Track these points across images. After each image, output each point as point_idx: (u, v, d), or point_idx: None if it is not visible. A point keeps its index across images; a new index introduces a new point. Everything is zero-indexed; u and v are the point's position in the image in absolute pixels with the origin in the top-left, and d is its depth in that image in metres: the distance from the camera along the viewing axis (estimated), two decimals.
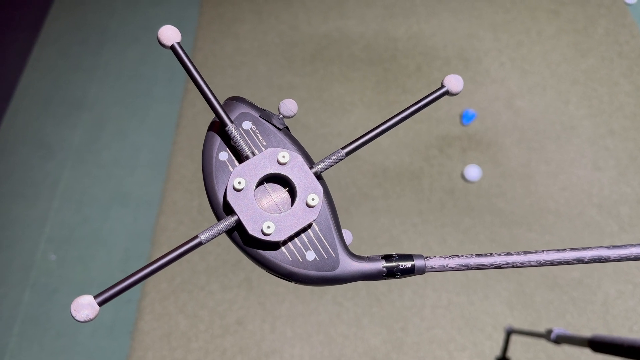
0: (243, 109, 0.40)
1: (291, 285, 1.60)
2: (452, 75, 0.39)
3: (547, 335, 1.14)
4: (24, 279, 1.64)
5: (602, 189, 1.72)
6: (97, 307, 0.32)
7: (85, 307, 0.32)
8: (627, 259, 0.38)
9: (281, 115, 0.42)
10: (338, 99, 1.97)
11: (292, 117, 0.42)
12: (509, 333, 1.37)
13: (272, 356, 1.50)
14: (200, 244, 0.35)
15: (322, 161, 0.38)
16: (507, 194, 1.74)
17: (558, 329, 1.11)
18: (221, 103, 0.40)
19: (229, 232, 0.37)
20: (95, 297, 0.32)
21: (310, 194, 0.36)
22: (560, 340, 1.09)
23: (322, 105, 1.96)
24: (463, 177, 1.78)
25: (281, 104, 0.41)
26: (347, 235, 0.44)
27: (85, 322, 0.32)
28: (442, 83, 0.40)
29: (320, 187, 0.37)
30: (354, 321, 1.55)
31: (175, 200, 1.77)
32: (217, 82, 2.00)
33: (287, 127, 0.41)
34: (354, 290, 1.59)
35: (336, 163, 0.39)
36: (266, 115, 0.40)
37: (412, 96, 1.98)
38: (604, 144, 1.81)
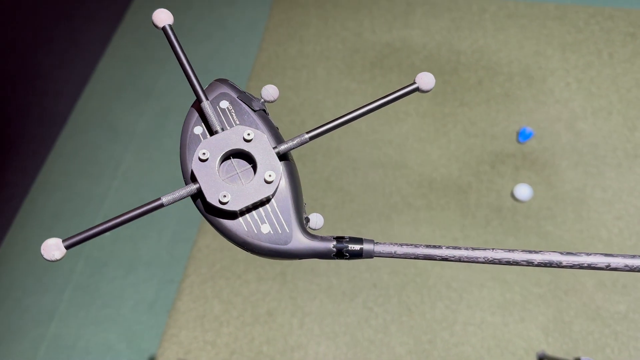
0: (224, 89, 0.44)
1: (324, 284, 1.62)
2: (424, 72, 0.41)
3: None
4: (79, 250, 1.76)
5: None
6: (64, 249, 0.37)
7: (52, 247, 0.36)
8: (580, 267, 0.37)
9: (262, 100, 0.45)
10: (392, 107, 1.98)
11: (272, 101, 0.45)
12: (541, 359, 1.32)
13: (298, 351, 1.53)
14: (161, 205, 0.39)
15: (285, 142, 0.41)
16: (558, 217, 1.67)
17: (585, 359, 1.07)
18: (209, 83, 0.44)
19: (194, 198, 0.40)
20: (64, 240, 0.37)
21: (268, 170, 0.39)
22: None
23: (375, 112, 1.97)
24: (513, 196, 1.73)
25: (263, 89, 0.44)
26: (318, 219, 0.47)
27: (52, 261, 0.37)
28: (414, 80, 0.41)
29: (278, 165, 0.39)
30: (381, 327, 1.55)
31: None
32: (276, 82, 2.07)
33: (264, 110, 0.44)
34: (385, 297, 1.59)
35: (299, 146, 0.41)
36: (244, 97, 0.43)
37: (470, 110, 1.95)
38: None
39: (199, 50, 2.28)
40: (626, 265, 0.38)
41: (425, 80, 0.41)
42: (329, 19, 2.28)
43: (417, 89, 0.41)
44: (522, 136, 1.84)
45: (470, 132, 1.90)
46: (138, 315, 1.64)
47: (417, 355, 1.49)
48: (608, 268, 0.38)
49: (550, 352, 1.46)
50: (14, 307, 1.67)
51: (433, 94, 2.00)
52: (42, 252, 0.36)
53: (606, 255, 0.38)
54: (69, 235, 0.37)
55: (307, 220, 0.47)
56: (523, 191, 1.72)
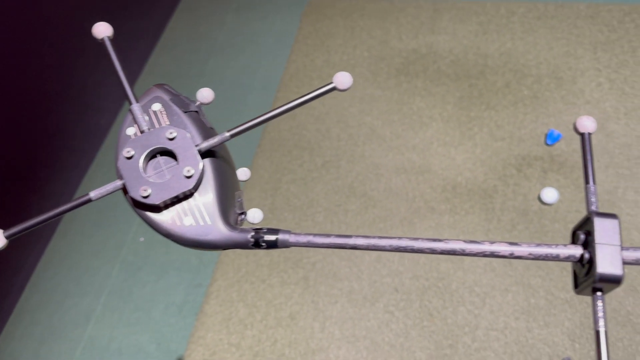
0: (159, 93, 0.47)
1: (345, 288, 1.64)
2: (341, 72, 0.43)
3: None
4: (115, 255, 1.86)
5: None
6: (5, 239, 0.41)
7: None
8: (483, 254, 0.39)
9: (198, 102, 0.48)
10: (417, 113, 1.98)
11: (208, 103, 0.48)
12: None
13: (319, 354, 1.55)
14: (90, 200, 0.43)
15: (207, 140, 0.44)
16: None
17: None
18: (148, 88, 0.48)
19: (124, 193, 0.43)
20: (4, 231, 0.41)
21: (188, 166, 0.42)
22: None
23: (400, 118, 1.98)
24: (539, 199, 1.70)
25: (198, 92, 0.48)
26: (256, 214, 0.49)
27: None
28: (332, 80, 0.43)
29: (198, 162, 0.42)
30: (402, 332, 1.55)
31: (252, 197, 1.90)
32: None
33: (196, 112, 0.47)
34: (406, 301, 1.59)
35: (220, 143, 0.44)
36: (177, 100, 0.47)
37: (497, 113, 1.92)
38: None
39: (231, 64, 2.36)
40: (530, 254, 0.38)
41: (341, 79, 0.43)
42: (356, 28, 2.31)
43: (334, 88, 0.43)
44: (550, 138, 1.80)
45: (497, 136, 1.88)
46: (167, 318, 1.71)
47: None
48: (511, 256, 0.39)
49: (576, 358, 1.41)
50: (56, 309, 1.78)
51: (459, 98, 1.99)
52: None
53: (510, 243, 0.39)
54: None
55: (244, 214, 0.50)
56: (551, 194, 1.68)
